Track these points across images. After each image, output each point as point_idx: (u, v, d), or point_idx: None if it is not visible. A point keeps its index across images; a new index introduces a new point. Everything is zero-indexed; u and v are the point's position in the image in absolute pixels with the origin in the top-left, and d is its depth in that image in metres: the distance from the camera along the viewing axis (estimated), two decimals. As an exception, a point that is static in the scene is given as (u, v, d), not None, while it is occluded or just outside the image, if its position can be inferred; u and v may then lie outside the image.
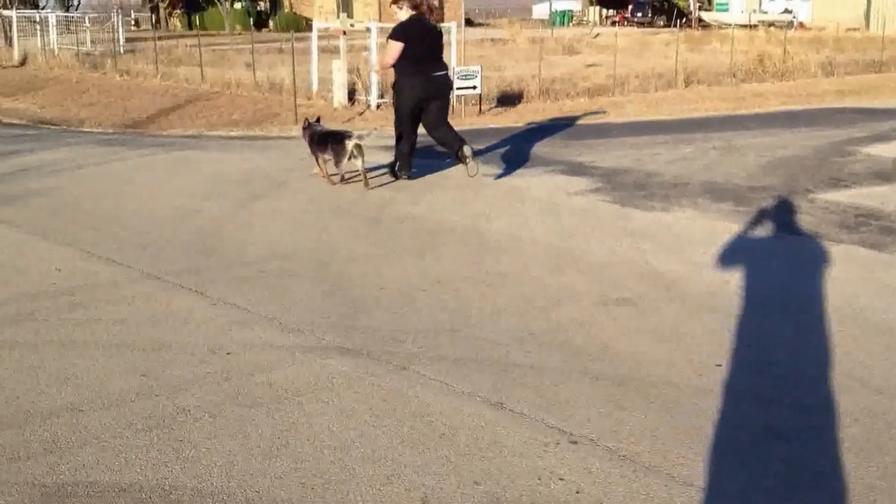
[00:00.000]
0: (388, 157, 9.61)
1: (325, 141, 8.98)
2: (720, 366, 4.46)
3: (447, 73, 9.16)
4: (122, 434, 3.76)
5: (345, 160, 8.75)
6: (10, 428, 3.82)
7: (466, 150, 8.96)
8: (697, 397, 4.10)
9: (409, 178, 9.30)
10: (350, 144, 8.69)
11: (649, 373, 4.38)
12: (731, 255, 6.44)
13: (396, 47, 8.76)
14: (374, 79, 16.00)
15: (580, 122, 14.78)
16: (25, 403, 4.07)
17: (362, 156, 8.82)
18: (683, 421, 3.86)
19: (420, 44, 8.79)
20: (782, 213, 7.70)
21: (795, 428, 3.81)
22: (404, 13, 8.94)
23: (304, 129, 9.33)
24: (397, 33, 8.82)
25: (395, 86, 9.11)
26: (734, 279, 5.88)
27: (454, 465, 3.50)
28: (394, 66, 8.92)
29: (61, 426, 3.84)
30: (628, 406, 4.01)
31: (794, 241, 6.93)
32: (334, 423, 3.85)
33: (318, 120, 9.50)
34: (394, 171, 9.36)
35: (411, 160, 9.32)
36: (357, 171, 8.98)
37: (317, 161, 9.21)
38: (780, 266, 6.26)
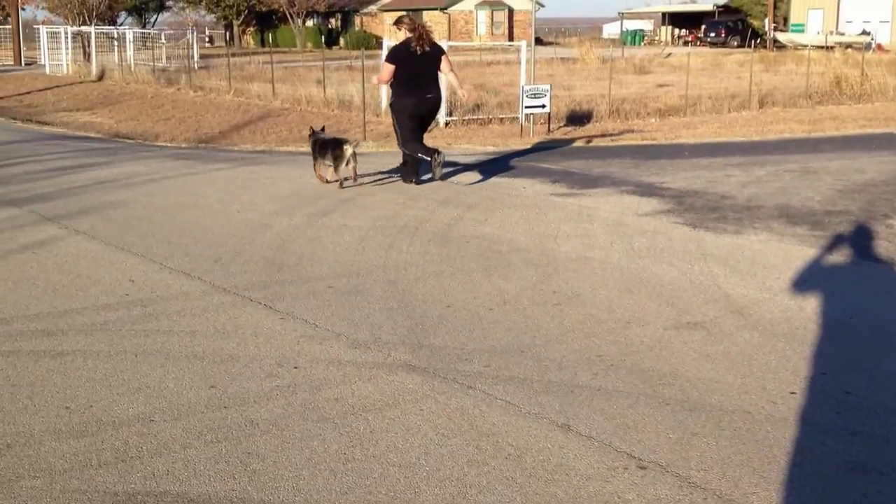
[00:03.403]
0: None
1: (326, 147, 9.74)
2: (794, 394, 4.35)
3: (438, 96, 9.96)
4: (191, 445, 3.81)
5: (343, 164, 9.58)
6: (82, 436, 3.89)
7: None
8: (770, 425, 4.00)
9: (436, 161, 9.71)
10: (348, 150, 9.55)
11: (721, 399, 4.29)
12: (806, 281, 6.30)
13: (387, 68, 9.64)
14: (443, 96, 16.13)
15: (650, 142, 14.64)
16: (98, 412, 4.14)
17: (356, 161, 9.67)
18: (756, 449, 3.77)
19: (407, 66, 9.56)
20: (859, 239, 7.51)
21: (872, 460, 3.69)
22: (402, 34, 9.71)
23: (309, 136, 10.11)
24: (388, 55, 9.78)
25: (392, 107, 9.94)
26: (809, 305, 5.74)
27: (520, 486, 3.47)
28: (390, 85, 9.77)
29: (132, 435, 3.90)
30: (699, 432, 3.93)
31: (871, 268, 6.76)
32: (400, 441, 3.85)
33: (322, 129, 10.32)
34: (441, 176, 9.92)
35: (425, 146, 9.89)
36: (350, 176, 9.74)
37: (314, 165, 10.00)
38: (856, 292, 6.11)
